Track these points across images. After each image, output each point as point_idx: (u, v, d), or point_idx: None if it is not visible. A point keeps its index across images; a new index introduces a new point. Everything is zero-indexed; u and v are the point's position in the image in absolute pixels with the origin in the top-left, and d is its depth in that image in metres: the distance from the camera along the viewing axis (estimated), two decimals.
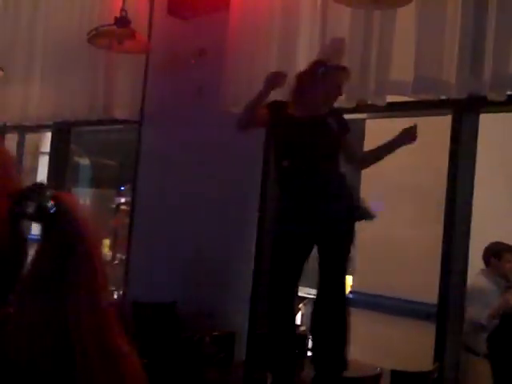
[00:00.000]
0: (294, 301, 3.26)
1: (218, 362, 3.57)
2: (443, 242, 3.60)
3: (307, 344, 3.68)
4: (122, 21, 4.10)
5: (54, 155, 6.06)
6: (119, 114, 5.08)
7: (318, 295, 3.19)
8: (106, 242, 10.96)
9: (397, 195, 5.42)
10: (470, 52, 3.24)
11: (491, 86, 3.14)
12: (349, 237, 3.21)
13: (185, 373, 3.36)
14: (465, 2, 3.30)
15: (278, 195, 3.34)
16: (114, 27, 4.16)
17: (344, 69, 3.25)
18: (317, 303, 3.22)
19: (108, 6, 4.72)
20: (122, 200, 9.51)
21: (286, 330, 3.21)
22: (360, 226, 5.74)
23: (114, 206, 9.95)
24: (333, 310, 3.13)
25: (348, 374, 3.20)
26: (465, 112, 3.48)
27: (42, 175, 6.50)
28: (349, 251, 3.22)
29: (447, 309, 3.51)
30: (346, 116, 3.51)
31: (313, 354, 3.28)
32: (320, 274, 3.17)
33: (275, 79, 3.24)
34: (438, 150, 3.81)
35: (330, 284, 3.14)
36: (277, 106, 3.32)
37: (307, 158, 3.15)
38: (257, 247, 4.26)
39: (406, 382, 2.99)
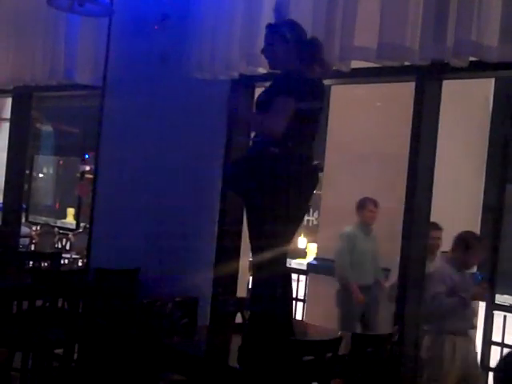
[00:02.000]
0: None
1: (181, 328, 3.57)
2: (405, 209, 3.64)
3: None
4: None
5: (14, 121, 5.95)
6: (81, 78, 4.99)
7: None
8: (71, 210, 10.89)
9: (360, 163, 5.47)
10: (434, 19, 3.23)
11: (454, 53, 3.15)
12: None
13: (147, 339, 3.36)
14: None
15: None
16: None
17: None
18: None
19: None
20: (87, 168, 9.42)
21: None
22: (324, 194, 5.81)
23: (79, 174, 9.87)
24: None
25: (309, 338, 3.24)
26: (428, 78, 3.49)
27: (3, 142, 6.37)
28: None
29: (407, 272, 3.56)
30: None
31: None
32: None
33: None
34: (403, 118, 3.83)
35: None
36: None
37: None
38: (220, 213, 4.25)
39: (366, 344, 3.04)
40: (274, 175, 2.93)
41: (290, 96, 2.89)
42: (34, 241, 7.93)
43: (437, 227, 4.72)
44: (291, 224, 3.06)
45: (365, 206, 5.41)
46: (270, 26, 3.15)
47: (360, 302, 5.34)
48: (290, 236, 3.08)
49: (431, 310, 4.08)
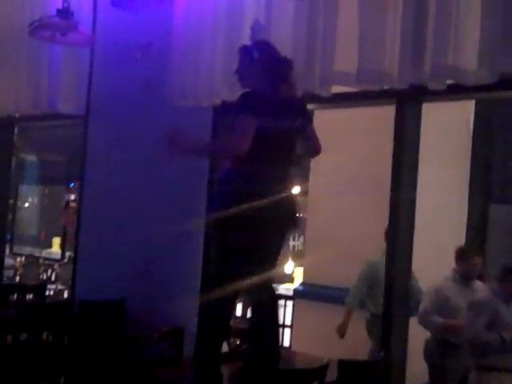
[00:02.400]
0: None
1: (167, 358, 3.54)
2: (388, 232, 3.64)
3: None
4: (64, 12, 4.03)
5: None
6: (64, 108, 4.99)
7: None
8: (56, 239, 10.80)
9: (345, 187, 5.47)
10: (411, 43, 3.27)
11: (432, 76, 3.19)
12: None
13: (133, 370, 3.32)
14: None
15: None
16: (57, 19, 4.07)
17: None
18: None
19: None
20: (72, 197, 9.37)
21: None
22: (309, 219, 5.79)
23: (64, 203, 9.81)
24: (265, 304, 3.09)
25: (295, 366, 3.21)
26: (407, 101, 3.53)
27: None
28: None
29: (392, 298, 3.55)
30: None
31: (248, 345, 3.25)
32: None
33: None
34: (386, 141, 3.85)
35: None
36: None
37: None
38: (204, 243, 4.24)
39: (353, 371, 3.01)
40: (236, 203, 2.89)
41: (249, 114, 2.89)
42: (18, 272, 7.85)
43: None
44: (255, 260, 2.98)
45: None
46: (241, 48, 3.20)
47: (340, 334, 5.06)
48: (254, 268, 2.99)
49: (469, 343, 3.97)
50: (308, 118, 3.22)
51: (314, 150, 3.30)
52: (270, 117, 2.94)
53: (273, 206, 2.90)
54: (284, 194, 3.00)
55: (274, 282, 3.20)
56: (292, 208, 3.10)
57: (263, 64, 3.08)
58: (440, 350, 4.57)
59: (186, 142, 3.16)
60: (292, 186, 3.15)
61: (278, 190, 2.98)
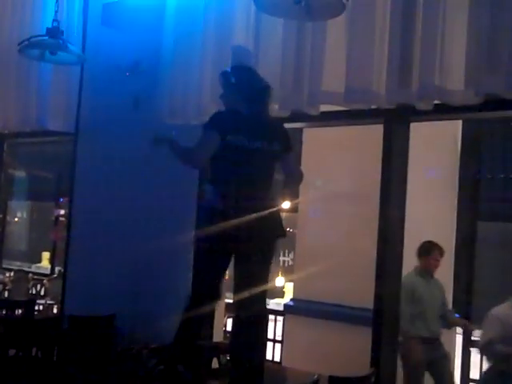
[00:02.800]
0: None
1: (156, 375, 3.53)
2: (378, 248, 3.67)
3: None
4: (54, 31, 4.04)
5: None
6: (53, 125, 5.01)
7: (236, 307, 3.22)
8: (46, 254, 10.77)
9: (334, 203, 5.50)
10: (398, 63, 3.32)
11: (418, 96, 3.24)
12: (270, 252, 3.24)
13: None
14: (393, 16, 3.38)
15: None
16: (46, 38, 4.09)
17: None
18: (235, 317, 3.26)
19: (40, 17, 4.65)
20: (61, 212, 9.36)
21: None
22: (298, 235, 5.82)
23: (53, 218, 9.79)
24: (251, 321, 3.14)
25: (285, 381, 3.22)
26: (395, 120, 3.57)
27: None
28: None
29: (382, 314, 3.57)
30: None
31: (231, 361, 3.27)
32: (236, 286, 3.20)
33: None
34: (375, 158, 3.89)
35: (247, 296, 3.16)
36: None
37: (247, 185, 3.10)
38: (194, 258, 4.24)
39: None
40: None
41: (212, 130, 3.04)
42: (7, 287, 7.80)
43: (440, 250, 4.80)
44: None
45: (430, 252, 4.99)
46: (220, 73, 3.27)
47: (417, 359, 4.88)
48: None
49: (486, 356, 3.88)
50: (287, 145, 3.26)
51: (292, 177, 3.37)
52: (238, 135, 3.05)
53: (247, 223, 2.99)
54: (262, 211, 3.06)
55: (265, 297, 3.25)
56: (272, 225, 3.15)
57: (238, 88, 3.17)
58: (501, 381, 4.41)
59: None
60: (272, 204, 3.18)
61: (252, 207, 3.04)
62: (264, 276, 3.18)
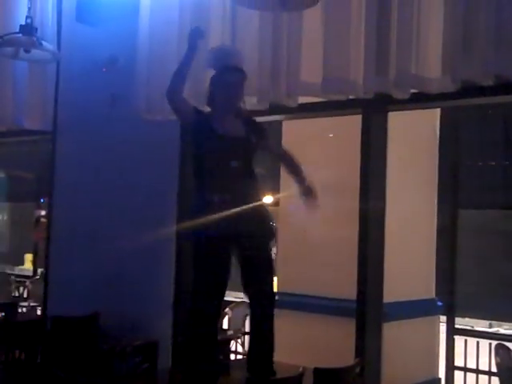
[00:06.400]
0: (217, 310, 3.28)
1: (141, 373, 3.52)
2: (359, 237, 3.67)
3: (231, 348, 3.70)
4: (28, 28, 3.98)
5: None
6: (30, 124, 4.95)
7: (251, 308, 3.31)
8: (29, 256, 10.68)
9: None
10: (375, 53, 3.32)
11: (396, 85, 3.24)
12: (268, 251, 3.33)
13: None
14: (369, 5, 3.37)
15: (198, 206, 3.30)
16: (20, 35, 4.03)
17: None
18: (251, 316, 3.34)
19: (13, 14, 4.58)
20: (43, 213, 9.27)
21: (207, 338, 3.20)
22: (280, 229, 5.81)
23: (34, 219, 9.70)
24: (263, 318, 3.26)
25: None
26: (373, 110, 3.57)
27: None
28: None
29: (365, 304, 3.57)
30: (259, 118, 3.54)
31: (248, 359, 3.35)
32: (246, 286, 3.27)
33: (197, 34, 3.25)
34: (355, 148, 3.89)
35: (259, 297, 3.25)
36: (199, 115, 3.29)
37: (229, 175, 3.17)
38: (177, 256, 4.23)
39: (328, 379, 3.02)
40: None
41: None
42: None
43: None
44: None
45: None
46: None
47: None
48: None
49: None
50: (263, 134, 3.34)
51: (286, 155, 3.53)
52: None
53: (233, 217, 3.05)
54: (247, 204, 3.12)
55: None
56: (259, 217, 3.20)
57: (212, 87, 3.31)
58: None
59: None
60: (258, 197, 3.25)
61: (235, 200, 3.10)
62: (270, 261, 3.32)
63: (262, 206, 3.28)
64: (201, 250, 3.18)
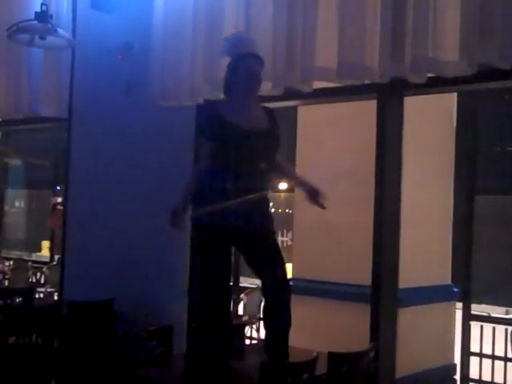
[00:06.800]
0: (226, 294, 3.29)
1: (156, 357, 3.54)
2: (374, 224, 3.66)
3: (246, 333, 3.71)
4: (43, 16, 3.99)
5: None
6: (46, 111, 4.97)
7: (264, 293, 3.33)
8: (46, 243, 10.75)
9: (330, 181, 5.47)
10: (391, 37, 3.28)
11: (412, 69, 3.21)
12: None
13: (123, 369, 3.33)
14: None
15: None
16: (35, 22, 4.04)
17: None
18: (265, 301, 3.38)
19: (27, 1, 4.59)
20: (59, 200, 9.34)
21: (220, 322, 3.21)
22: (295, 214, 5.80)
23: (51, 206, 9.77)
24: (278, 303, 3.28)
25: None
26: (389, 95, 3.54)
27: None
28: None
29: (380, 290, 3.57)
30: (274, 104, 3.54)
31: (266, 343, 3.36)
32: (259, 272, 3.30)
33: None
34: (371, 133, 3.86)
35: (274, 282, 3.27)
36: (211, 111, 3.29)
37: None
38: (192, 240, 4.24)
39: (342, 362, 3.03)
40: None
41: (206, 137, 3.24)
42: (7, 276, 7.80)
43: None
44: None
45: None
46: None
47: None
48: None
49: None
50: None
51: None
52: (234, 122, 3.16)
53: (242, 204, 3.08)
54: (254, 193, 3.14)
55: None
56: (256, 205, 3.20)
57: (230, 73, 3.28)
58: None
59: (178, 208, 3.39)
60: (270, 183, 3.27)
61: (250, 189, 3.12)
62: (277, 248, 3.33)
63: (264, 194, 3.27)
64: (200, 236, 3.23)
